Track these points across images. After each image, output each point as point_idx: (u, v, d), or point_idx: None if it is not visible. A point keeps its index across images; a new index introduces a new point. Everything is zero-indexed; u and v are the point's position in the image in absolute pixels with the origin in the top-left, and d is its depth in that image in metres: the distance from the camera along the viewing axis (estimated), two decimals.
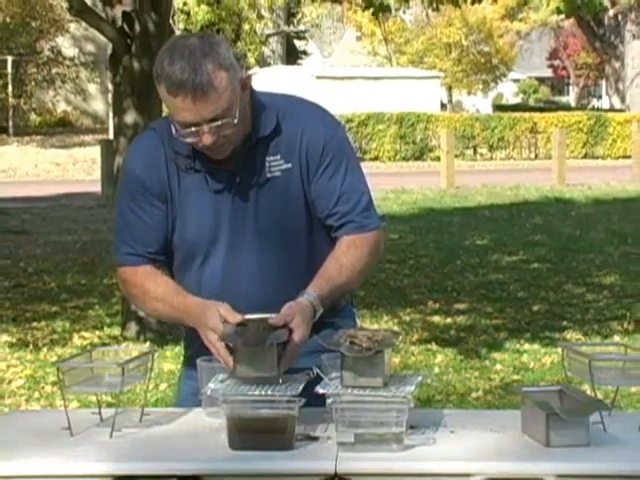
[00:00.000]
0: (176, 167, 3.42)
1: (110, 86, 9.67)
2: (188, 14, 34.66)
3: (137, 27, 9.06)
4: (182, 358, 3.71)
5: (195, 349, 3.41)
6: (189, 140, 3.29)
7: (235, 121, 3.27)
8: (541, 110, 38.97)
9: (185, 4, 34.40)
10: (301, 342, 3.25)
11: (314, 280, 3.36)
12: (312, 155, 3.41)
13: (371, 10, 10.82)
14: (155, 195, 3.42)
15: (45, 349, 8.84)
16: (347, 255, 3.42)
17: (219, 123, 3.25)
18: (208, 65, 3.21)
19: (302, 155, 3.41)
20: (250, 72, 38.39)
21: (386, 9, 11.10)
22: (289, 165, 3.41)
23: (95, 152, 25.38)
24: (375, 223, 3.48)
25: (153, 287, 3.44)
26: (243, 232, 3.42)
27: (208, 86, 3.20)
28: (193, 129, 3.25)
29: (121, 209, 3.51)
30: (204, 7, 35.99)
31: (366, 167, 3.76)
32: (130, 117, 9.22)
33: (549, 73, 55.95)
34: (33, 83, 41.01)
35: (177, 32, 31.61)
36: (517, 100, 53.88)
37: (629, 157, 27.26)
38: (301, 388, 3.18)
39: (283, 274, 3.44)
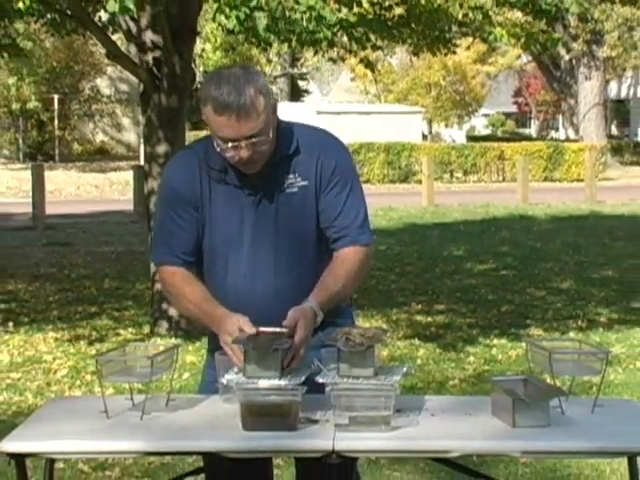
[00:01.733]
0: (208, 180, 3.42)
1: (141, 119, 9.64)
2: (200, 56, 34.65)
3: (165, 70, 9.05)
4: (205, 352, 3.69)
5: (215, 345, 3.39)
6: (229, 154, 3.29)
7: (266, 139, 3.29)
8: (507, 140, 38.95)
9: (203, 50, 34.45)
10: (301, 341, 3.23)
11: (315, 290, 3.36)
12: (325, 175, 3.41)
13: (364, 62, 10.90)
14: (189, 203, 3.43)
15: (86, 344, 8.82)
16: (342, 267, 3.43)
17: (255, 140, 3.26)
18: (250, 89, 3.23)
19: (317, 174, 3.41)
20: None
21: (373, 66, 11.22)
22: (305, 183, 3.41)
23: (128, 176, 25.37)
24: (367, 239, 3.48)
25: (189, 291, 3.43)
26: (263, 239, 3.41)
27: (250, 107, 3.23)
28: (232, 144, 3.26)
29: (160, 216, 3.53)
30: (219, 53, 36.08)
31: None
32: (159, 146, 9.21)
33: (514, 109, 55.91)
34: (76, 117, 41.03)
35: (197, 74, 31.68)
36: (487, 132, 53.85)
37: (582, 180, 27.23)
38: (304, 378, 3.18)
39: (295, 275, 3.43)
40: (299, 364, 3.23)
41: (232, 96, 3.21)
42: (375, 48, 10.60)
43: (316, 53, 9.98)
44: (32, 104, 36.05)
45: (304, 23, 7.27)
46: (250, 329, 3.21)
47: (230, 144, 3.26)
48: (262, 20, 7.24)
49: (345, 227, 3.44)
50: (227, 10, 7.28)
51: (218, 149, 3.31)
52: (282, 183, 3.40)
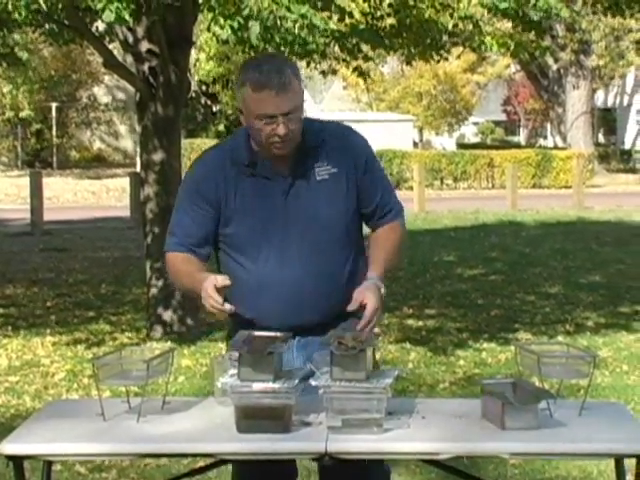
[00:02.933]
0: (236, 175, 3.48)
1: (137, 127, 9.63)
2: (195, 65, 34.67)
3: (161, 79, 9.05)
4: (225, 344, 3.70)
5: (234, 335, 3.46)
6: (266, 132, 3.37)
7: (299, 119, 3.40)
8: (497, 148, 38.96)
9: (198, 60, 34.44)
10: (373, 311, 3.35)
11: (371, 265, 3.50)
12: (359, 161, 3.54)
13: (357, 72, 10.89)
14: (206, 200, 3.49)
15: (83, 348, 8.81)
16: (388, 240, 3.59)
17: (291, 117, 3.35)
18: (288, 70, 3.38)
19: (348, 161, 3.51)
20: None
21: (367, 75, 11.22)
22: (335, 170, 3.49)
23: (125, 183, 25.35)
24: (402, 220, 3.70)
25: (185, 267, 3.49)
26: (293, 227, 3.46)
27: (288, 84, 3.35)
28: (270, 120, 3.34)
29: (177, 207, 3.61)
30: (212, 63, 36.12)
31: None
32: (155, 154, 9.21)
33: (503, 117, 55.98)
34: (73, 125, 41.03)
35: (192, 83, 31.68)
36: (477, 139, 53.89)
37: (570, 187, 27.26)
38: (297, 382, 3.18)
39: (323, 261, 3.48)
40: (369, 335, 3.29)
41: (272, 73, 3.33)
42: (367, 59, 10.61)
43: (308, 65, 9.97)
44: (26, 112, 36.06)
45: (296, 31, 7.26)
46: (223, 282, 3.27)
47: (268, 120, 3.35)
48: (255, 28, 7.24)
49: (387, 204, 3.62)
50: (221, 20, 7.28)
51: (256, 128, 3.38)
52: (312, 171, 3.48)
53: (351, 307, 3.35)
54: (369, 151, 3.61)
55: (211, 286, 3.26)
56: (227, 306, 3.28)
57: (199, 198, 3.50)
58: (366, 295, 3.37)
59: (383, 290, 3.45)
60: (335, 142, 3.52)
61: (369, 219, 3.61)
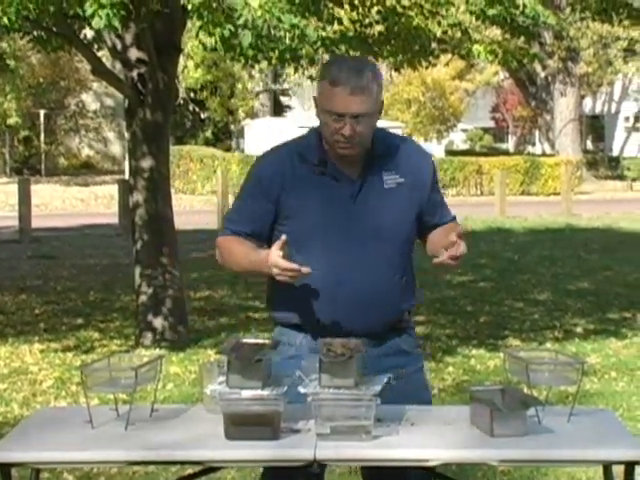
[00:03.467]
0: (302, 173, 3.49)
1: (126, 134, 9.63)
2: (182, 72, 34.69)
3: (150, 86, 9.04)
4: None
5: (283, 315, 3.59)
6: (331, 129, 3.39)
7: (370, 125, 3.40)
8: (485, 155, 39.00)
9: (185, 67, 34.43)
10: (463, 252, 3.38)
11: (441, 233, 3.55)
12: (427, 175, 3.60)
13: None
14: (266, 195, 3.50)
15: (71, 355, 8.79)
16: (453, 227, 3.56)
17: (360, 119, 3.35)
18: (369, 74, 3.37)
19: (416, 173, 3.55)
20: (243, 122, 38.37)
21: None
22: (402, 180, 3.52)
23: (113, 190, 25.30)
24: (456, 219, 3.73)
25: (236, 247, 3.52)
26: (356, 230, 3.46)
27: (364, 87, 3.35)
28: (338, 119, 3.35)
29: (238, 197, 3.65)
30: (200, 70, 36.13)
31: None
32: (143, 160, 9.20)
33: (492, 124, 56.05)
34: (62, 132, 41.01)
35: (181, 90, 31.67)
36: (465, 146, 53.96)
37: (558, 194, 27.34)
38: (285, 389, 3.18)
39: (382, 267, 3.48)
40: (358, 343, 3.25)
41: (351, 73, 3.34)
42: None
43: (296, 70, 9.97)
44: (13, 119, 35.99)
45: (287, 41, 7.27)
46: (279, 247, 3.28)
47: (337, 117, 3.36)
48: (247, 37, 7.24)
49: (446, 215, 3.67)
50: (211, 27, 7.27)
51: (325, 123, 3.40)
52: (379, 178, 3.50)
53: (452, 237, 3.36)
54: (434, 168, 3.67)
55: (280, 260, 3.26)
56: (304, 269, 3.29)
57: (260, 192, 3.52)
58: (459, 233, 3.38)
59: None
60: (405, 154, 3.56)
61: (430, 230, 3.64)
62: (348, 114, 3.34)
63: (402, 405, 3.39)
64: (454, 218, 3.72)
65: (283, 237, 3.30)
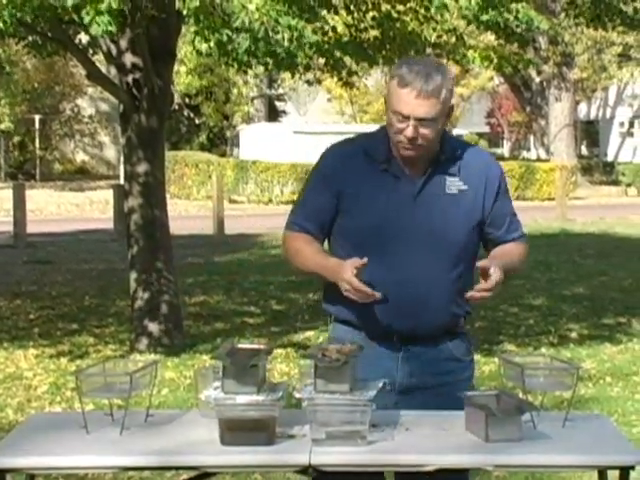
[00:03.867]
0: (367, 169, 3.50)
1: (121, 139, 9.62)
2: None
3: (145, 91, 9.04)
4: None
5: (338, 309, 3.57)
6: (395, 129, 3.40)
7: (434, 129, 3.40)
8: None
9: (177, 72, 34.44)
10: (497, 282, 3.35)
11: (492, 256, 3.53)
12: (492, 185, 3.57)
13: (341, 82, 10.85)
14: (330, 186, 3.53)
15: (66, 361, 8.78)
16: (515, 249, 3.61)
17: (425, 123, 3.36)
18: (438, 78, 3.36)
19: (480, 182, 3.54)
20: (238, 128, 38.37)
21: (350, 84, 11.22)
22: (465, 187, 3.51)
23: (108, 195, 25.29)
24: (525, 238, 3.72)
25: (304, 247, 3.54)
26: (414, 231, 3.46)
27: (431, 93, 3.35)
28: (402, 120, 3.37)
29: (304, 189, 3.66)
30: (190, 77, 36.22)
31: None
32: (138, 165, 9.19)
33: (487, 129, 56.12)
34: (57, 137, 41.02)
35: (176, 95, 31.67)
36: None
37: (553, 199, 27.33)
38: (281, 394, 3.18)
39: (438, 271, 3.48)
40: (485, 294, 3.34)
41: (419, 76, 3.34)
42: (350, 73, 10.63)
43: (293, 75, 9.99)
44: (5, 125, 35.97)
45: (285, 43, 7.24)
46: (356, 264, 3.31)
47: (401, 118, 3.37)
48: (245, 42, 7.24)
49: (514, 230, 3.66)
50: (207, 33, 7.27)
51: (389, 122, 3.43)
52: (443, 182, 3.50)
53: (480, 263, 3.37)
54: (502, 179, 3.64)
55: (354, 280, 3.30)
56: (377, 294, 3.32)
57: (324, 185, 3.55)
58: (496, 266, 3.37)
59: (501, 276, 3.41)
60: (471, 161, 3.55)
61: (494, 243, 3.63)
62: (413, 116, 3.35)
63: (397, 410, 3.39)
64: (521, 236, 3.69)
65: (364, 260, 3.31)
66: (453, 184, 3.49)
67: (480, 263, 3.39)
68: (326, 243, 3.65)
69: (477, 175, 3.52)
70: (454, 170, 3.51)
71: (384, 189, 3.48)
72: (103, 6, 6.83)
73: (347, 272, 3.31)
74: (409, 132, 3.37)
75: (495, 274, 3.34)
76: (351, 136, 3.71)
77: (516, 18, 8.34)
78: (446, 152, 3.50)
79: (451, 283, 3.49)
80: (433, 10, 8.80)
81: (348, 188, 3.50)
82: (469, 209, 3.50)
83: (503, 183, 3.62)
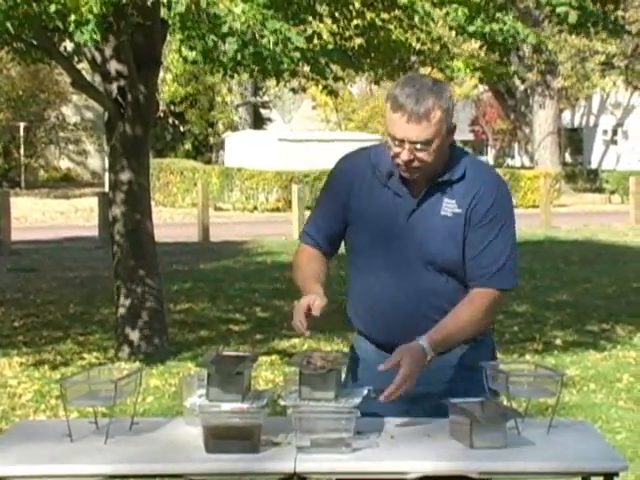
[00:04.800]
0: (372, 182, 3.50)
1: (106, 147, 9.61)
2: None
3: (130, 99, 9.03)
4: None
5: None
6: (392, 152, 3.39)
7: (431, 151, 3.35)
8: None
9: (164, 80, 34.45)
10: (402, 378, 3.25)
11: (432, 329, 3.37)
12: (479, 210, 3.44)
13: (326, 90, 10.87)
14: (338, 197, 3.55)
15: (50, 368, 8.75)
16: (467, 310, 3.43)
17: (418, 147, 3.33)
18: (430, 100, 3.31)
19: (471, 206, 3.44)
20: (224, 135, 38.35)
21: (336, 93, 11.23)
22: (460, 211, 3.44)
23: (93, 202, 25.25)
24: (503, 284, 3.50)
25: (305, 267, 3.58)
26: (405, 250, 3.45)
27: (423, 116, 3.30)
28: (398, 143, 3.34)
29: (317, 200, 3.69)
30: (176, 85, 36.28)
31: None
32: (122, 174, 9.18)
33: (471, 137, 56.24)
34: (42, 145, 40.92)
35: (161, 103, 31.66)
36: None
37: (537, 206, 27.40)
38: (266, 402, 3.17)
39: (424, 293, 3.45)
40: (392, 395, 3.25)
41: (410, 99, 3.30)
42: (336, 79, 10.64)
43: (278, 83, 10.00)
44: None
45: (271, 46, 7.23)
46: (315, 302, 3.33)
47: (397, 142, 3.35)
48: (233, 45, 7.23)
49: (483, 267, 3.45)
50: (193, 41, 7.26)
51: (388, 145, 3.42)
52: (439, 204, 3.45)
53: (384, 366, 3.27)
54: (500, 204, 3.47)
55: (302, 308, 3.33)
56: (307, 332, 3.33)
57: (332, 196, 3.59)
58: (403, 360, 3.27)
59: (430, 357, 3.33)
60: (472, 184, 3.46)
61: (463, 271, 3.48)
62: (407, 140, 3.33)
63: (382, 418, 3.39)
64: (489, 279, 3.44)
65: (321, 305, 3.33)
66: (448, 206, 3.44)
67: (385, 364, 3.28)
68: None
69: (473, 198, 3.45)
70: (452, 192, 3.45)
71: (383, 205, 3.48)
72: (88, 15, 6.82)
73: (300, 304, 3.35)
74: (404, 156, 3.35)
75: (403, 367, 3.25)
76: (366, 145, 3.69)
77: (500, 30, 8.36)
78: (448, 172, 3.45)
79: (439, 303, 3.45)
80: (417, 19, 8.83)
81: (353, 201, 3.52)
82: (460, 233, 3.44)
83: (497, 209, 3.46)
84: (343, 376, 3.37)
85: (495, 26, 8.30)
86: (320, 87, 11.07)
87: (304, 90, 12.87)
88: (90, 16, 6.81)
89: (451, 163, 3.46)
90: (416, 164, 3.37)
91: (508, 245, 3.50)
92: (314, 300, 3.34)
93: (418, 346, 3.32)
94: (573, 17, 8.12)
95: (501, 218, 3.48)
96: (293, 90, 13.00)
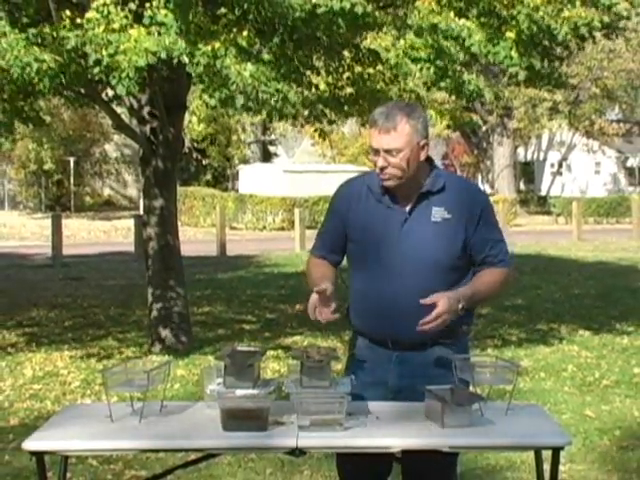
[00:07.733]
0: (369, 200, 3.49)
1: (141, 178, 9.62)
2: (187, 127, 34.76)
3: (160, 138, 9.05)
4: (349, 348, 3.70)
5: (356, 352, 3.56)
6: (372, 160, 3.43)
7: (403, 158, 3.36)
8: None
9: (190, 122, 34.47)
10: (438, 314, 3.24)
11: (462, 287, 3.39)
12: (474, 214, 3.45)
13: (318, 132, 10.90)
14: (338, 216, 3.55)
15: (95, 361, 8.74)
16: (490, 276, 3.47)
17: (393, 154, 3.35)
18: (399, 117, 3.36)
19: (463, 210, 3.44)
20: (238, 167, 38.33)
21: (325, 134, 11.25)
22: (449, 216, 3.42)
23: (130, 223, 25.23)
24: (506, 264, 3.53)
25: (313, 270, 3.59)
26: (400, 257, 3.41)
27: (391, 128, 3.35)
28: (375, 152, 3.39)
29: (325, 218, 3.69)
30: (202, 125, 36.24)
31: None
32: (155, 200, 9.19)
33: (442, 169, 56.41)
34: (88, 176, 40.94)
35: (186, 140, 31.71)
36: None
37: None
38: (273, 388, 3.17)
39: (421, 287, 3.35)
40: (431, 326, 3.24)
41: (382, 116, 3.37)
42: (330, 122, 10.65)
43: (285, 122, 10.01)
44: (48, 165, 36.15)
45: (272, 102, 7.30)
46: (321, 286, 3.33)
47: (374, 152, 3.40)
48: (240, 100, 7.29)
49: (494, 256, 3.49)
50: (211, 91, 7.31)
51: (372, 160, 3.46)
52: (428, 212, 3.43)
53: (423, 301, 3.25)
54: (486, 206, 3.51)
55: (315, 301, 3.33)
56: (335, 315, 3.33)
57: (335, 213, 3.58)
58: (442, 298, 3.25)
59: (461, 305, 3.31)
60: (456, 192, 3.46)
61: (479, 265, 3.49)
62: (381, 149, 3.36)
63: (369, 402, 3.38)
64: (501, 261, 3.50)
65: (328, 287, 3.34)
66: (438, 213, 3.42)
67: (426, 300, 3.25)
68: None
69: (461, 203, 3.43)
70: (439, 201, 3.43)
71: (378, 218, 3.45)
72: (128, 71, 6.85)
73: (311, 300, 3.35)
74: (379, 162, 3.38)
75: (440, 306, 3.23)
76: (361, 173, 3.74)
77: (462, 88, 8.47)
78: (432, 184, 3.44)
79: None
80: (400, 76, 8.90)
81: (352, 219, 3.50)
82: (451, 235, 3.41)
83: (486, 212, 3.49)
84: (338, 367, 3.36)
85: (461, 83, 8.40)
86: (314, 129, 11.11)
87: (302, 126, 12.89)
88: (130, 72, 6.83)
89: (432, 178, 3.46)
90: (390, 170, 3.37)
91: (501, 233, 3.58)
92: (320, 288, 3.31)
93: (453, 294, 3.31)
94: (522, 76, 8.28)
95: (492, 214, 3.55)
96: (294, 124, 13.00)
